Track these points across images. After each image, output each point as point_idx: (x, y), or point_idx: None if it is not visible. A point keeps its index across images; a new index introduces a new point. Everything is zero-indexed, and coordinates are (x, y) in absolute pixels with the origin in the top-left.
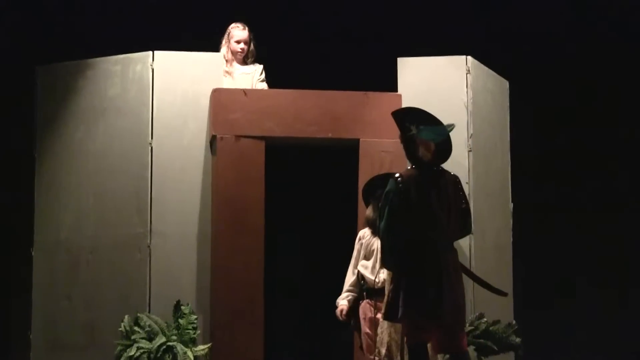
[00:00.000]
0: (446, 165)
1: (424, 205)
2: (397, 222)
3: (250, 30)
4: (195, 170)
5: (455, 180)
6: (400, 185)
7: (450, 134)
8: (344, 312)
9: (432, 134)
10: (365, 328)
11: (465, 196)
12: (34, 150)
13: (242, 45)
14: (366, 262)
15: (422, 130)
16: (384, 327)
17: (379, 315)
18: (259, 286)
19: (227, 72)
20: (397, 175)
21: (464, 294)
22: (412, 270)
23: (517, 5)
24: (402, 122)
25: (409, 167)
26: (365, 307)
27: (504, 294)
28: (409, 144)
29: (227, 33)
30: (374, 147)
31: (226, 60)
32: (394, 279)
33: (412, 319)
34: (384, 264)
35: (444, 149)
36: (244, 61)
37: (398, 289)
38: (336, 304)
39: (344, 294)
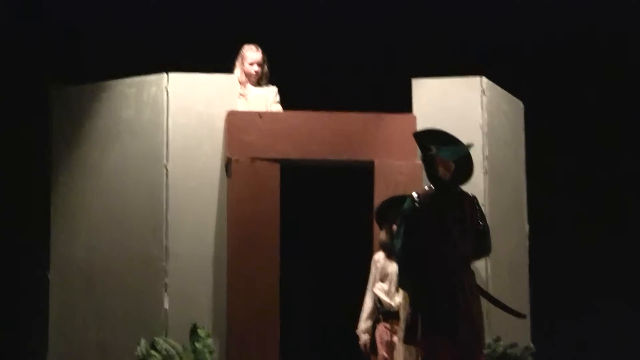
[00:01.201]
0: (462, 187)
1: (440, 225)
2: (413, 240)
3: (263, 52)
4: (210, 192)
5: (472, 201)
6: (417, 204)
7: None
8: (368, 346)
9: (451, 153)
10: (382, 351)
11: (483, 217)
12: (49, 172)
13: (255, 67)
14: (382, 284)
15: (441, 150)
16: (399, 349)
17: (395, 338)
18: (275, 308)
19: (241, 94)
20: (414, 194)
21: (482, 313)
22: (427, 288)
23: (530, 24)
24: (423, 143)
25: (426, 187)
26: (381, 330)
27: (523, 316)
28: (429, 164)
29: (241, 55)
30: (388, 169)
31: (240, 83)
32: (412, 302)
33: (430, 339)
34: (399, 283)
35: (465, 168)
36: (258, 83)
37: (416, 312)
38: (357, 333)
39: (364, 325)
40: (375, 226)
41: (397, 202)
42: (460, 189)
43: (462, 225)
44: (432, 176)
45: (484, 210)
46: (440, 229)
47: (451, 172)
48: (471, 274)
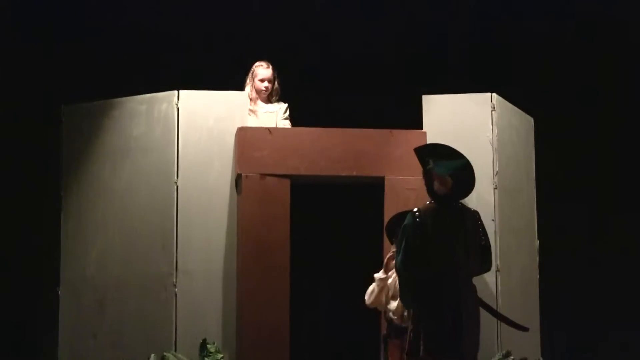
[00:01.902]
0: (472, 203)
1: (441, 240)
2: (414, 256)
3: (274, 69)
4: (221, 209)
5: (474, 216)
6: (418, 219)
7: (475, 170)
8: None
9: (444, 168)
10: None
11: (485, 232)
12: (60, 189)
13: (266, 83)
14: (393, 302)
15: (437, 164)
16: None
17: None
18: (285, 324)
19: (251, 110)
20: (415, 209)
21: (480, 324)
22: (429, 305)
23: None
24: (423, 157)
25: (428, 202)
26: (392, 347)
27: (525, 329)
28: (427, 179)
29: (251, 72)
30: (399, 185)
31: (250, 99)
32: (414, 317)
33: (432, 355)
34: (401, 298)
35: (463, 184)
36: (268, 99)
37: (418, 326)
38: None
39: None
40: (386, 242)
41: (404, 217)
42: (462, 203)
43: (464, 240)
44: (430, 191)
45: (493, 226)
46: (442, 243)
47: (448, 186)
48: (473, 288)
